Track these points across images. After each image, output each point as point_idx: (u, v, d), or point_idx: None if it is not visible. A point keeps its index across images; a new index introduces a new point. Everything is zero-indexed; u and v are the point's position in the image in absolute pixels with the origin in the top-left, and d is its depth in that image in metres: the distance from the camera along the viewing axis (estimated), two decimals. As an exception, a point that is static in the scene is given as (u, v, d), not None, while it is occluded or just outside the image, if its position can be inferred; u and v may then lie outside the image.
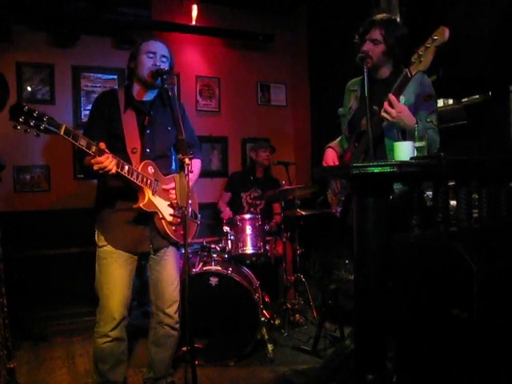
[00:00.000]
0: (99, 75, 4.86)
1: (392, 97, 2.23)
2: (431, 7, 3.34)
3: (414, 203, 1.87)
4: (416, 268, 1.83)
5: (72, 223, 4.63)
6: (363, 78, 2.65)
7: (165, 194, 2.56)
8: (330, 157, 2.78)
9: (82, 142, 2.17)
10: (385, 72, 2.56)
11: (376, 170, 1.72)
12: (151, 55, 2.57)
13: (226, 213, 4.59)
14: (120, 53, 4.77)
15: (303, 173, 5.09)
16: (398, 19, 3.53)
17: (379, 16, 2.54)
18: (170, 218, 2.54)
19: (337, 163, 2.71)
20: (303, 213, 4.03)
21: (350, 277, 4.36)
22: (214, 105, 5.45)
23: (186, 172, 2.15)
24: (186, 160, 2.12)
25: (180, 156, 2.14)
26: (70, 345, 3.72)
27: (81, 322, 4.13)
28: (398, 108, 2.23)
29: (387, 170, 1.71)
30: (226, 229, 3.81)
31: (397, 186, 2.14)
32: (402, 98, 2.34)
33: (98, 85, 4.84)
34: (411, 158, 1.93)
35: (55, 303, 4.41)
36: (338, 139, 2.90)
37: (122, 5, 4.58)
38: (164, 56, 2.61)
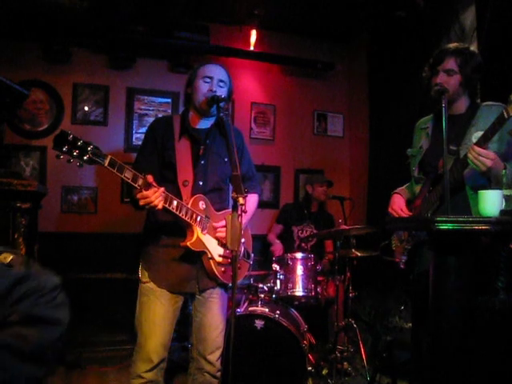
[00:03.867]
0: (153, 98, 4.79)
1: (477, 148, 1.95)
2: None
3: (500, 263, 1.61)
4: (501, 336, 1.63)
5: (117, 248, 4.53)
6: (435, 115, 2.45)
7: (215, 232, 2.36)
8: (397, 203, 2.50)
9: (128, 175, 2.00)
10: (461, 107, 2.32)
11: (467, 226, 1.45)
12: (208, 80, 2.41)
13: (277, 247, 4.36)
14: (175, 76, 4.71)
15: (359, 209, 4.79)
16: (475, 48, 3.27)
17: (453, 44, 2.31)
18: (219, 259, 2.33)
19: (405, 210, 2.44)
20: (359, 254, 3.74)
21: (405, 325, 4.03)
22: (268, 133, 5.27)
23: (240, 212, 1.92)
24: (240, 200, 1.90)
25: (234, 195, 1.92)
26: (105, 374, 3.59)
27: (118, 350, 4.00)
28: (491, 155, 1.94)
29: (480, 227, 1.45)
30: (276, 267, 3.55)
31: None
32: (479, 134, 2.09)
33: (151, 108, 4.77)
34: (503, 212, 1.66)
35: (93, 329, 4.29)
36: (406, 185, 2.64)
37: (180, 29, 4.51)
38: (222, 81, 2.43)
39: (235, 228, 1.92)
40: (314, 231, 4.48)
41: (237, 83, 4.99)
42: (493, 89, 2.69)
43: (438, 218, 1.48)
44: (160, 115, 4.71)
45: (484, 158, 1.94)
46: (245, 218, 2.47)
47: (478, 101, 2.45)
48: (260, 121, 5.23)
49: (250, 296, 3.47)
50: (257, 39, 4.93)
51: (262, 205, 5.05)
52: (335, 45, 5.49)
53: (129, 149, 4.61)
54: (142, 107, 4.75)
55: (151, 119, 4.67)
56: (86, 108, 4.63)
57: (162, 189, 2.10)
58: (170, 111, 4.77)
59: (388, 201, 2.57)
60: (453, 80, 2.24)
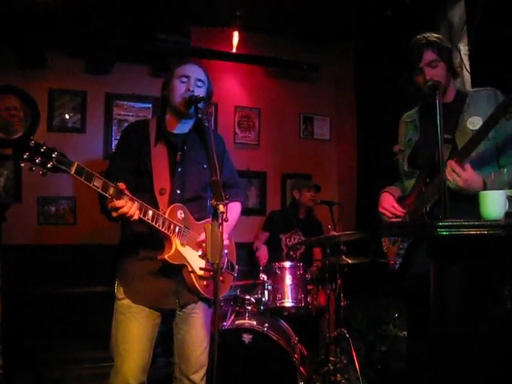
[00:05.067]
0: (133, 103, 4.60)
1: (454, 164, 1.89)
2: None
3: (507, 270, 1.48)
4: (506, 349, 1.49)
5: (98, 260, 4.31)
6: (421, 107, 2.37)
7: (195, 244, 2.19)
8: (387, 201, 2.38)
9: (97, 183, 1.84)
10: (449, 95, 2.25)
11: (473, 231, 1.31)
12: (184, 79, 2.26)
13: (262, 252, 4.20)
14: (156, 81, 4.49)
15: (348, 213, 4.65)
16: (464, 44, 3.19)
17: (419, 38, 2.23)
18: (200, 272, 2.17)
19: (397, 207, 2.32)
20: (350, 261, 3.59)
21: (400, 333, 3.88)
22: (253, 137, 5.11)
23: (220, 221, 1.76)
24: (220, 207, 1.73)
25: (213, 202, 1.76)
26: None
27: (101, 367, 3.67)
28: (464, 175, 1.91)
29: (487, 231, 1.32)
30: (263, 277, 3.40)
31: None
32: (474, 119, 2.06)
33: (131, 113, 4.59)
34: (507, 214, 1.53)
35: (75, 346, 4.06)
36: (395, 184, 2.52)
37: (160, 32, 4.34)
38: (199, 80, 2.30)
39: (216, 238, 1.76)
40: (303, 238, 4.34)
41: (219, 86, 4.88)
42: (484, 84, 2.60)
43: (439, 223, 1.33)
44: (140, 121, 4.54)
45: (456, 176, 1.92)
46: (227, 228, 2.33)
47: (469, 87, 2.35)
48: (244, 125, 5.07)
49: (237, 308, 3.33)
50: (239, 41, 4.77)
51: (247, 212, 4.95)
52: (320, 46, 5.35)
53: (108, 156, 4.41)
54: (122, 113, 4.57)
55: (131, 125, 4.50)
56: (67, 116, 4.44)
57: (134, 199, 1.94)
58: (150, 117, 4.60)
59: (377, 204, 2.44)
60: (439, 70, 2.17)
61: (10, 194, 4.22)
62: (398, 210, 2.31)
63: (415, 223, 1.60)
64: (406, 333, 3.64)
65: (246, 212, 4.90)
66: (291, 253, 4.34)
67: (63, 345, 4.01)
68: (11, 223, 4.15)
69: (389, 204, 2.34)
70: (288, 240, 4.38)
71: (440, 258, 1.48)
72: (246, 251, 4.59)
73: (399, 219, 2.32)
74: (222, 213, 1.74)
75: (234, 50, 4.81)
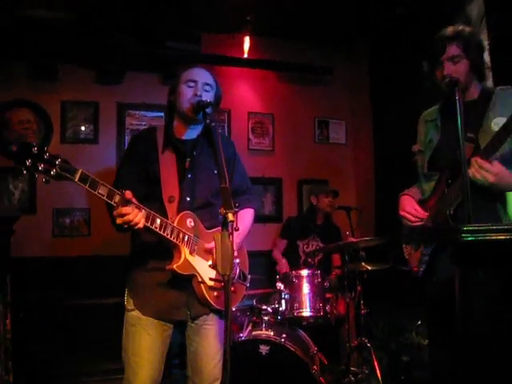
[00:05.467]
0: (145, 113, 4.56)
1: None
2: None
3: None
4: None
5: (113, 271, 4.25)
6: (443, 105, 2.24)
7: (206, 253, 2.11)
8: (408, 203, 2.27)
9: (102, 191, 1.77)
10: (473, 93, 2.12)
11: (500, 235, 1.21)
12: (192, 84, 2.20)
13: (283, 265, 4.12)
14: (167, 89, 4.44)
15: (367, 219, 4.53)
16: (484, 38, 3.05)
17: (449, 29, 2.09)
18: (211, 283, 2.08)
19: (419, 210, 2.20)
20: (369, 267, 3.48)
21: (423, 341, 3.74)
22: (267, 143, 5.02)
23: (230, 230, 1.67)
24: (230, 216, 1.65)
25: (222, 210, 1.67)
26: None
27: (113, 379, 3.68)
28: (495, 169, 1.80)
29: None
30: (280, 286, 3.30)
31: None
32: (499, 119, 1.93)
33: (143, 123, 4.54)
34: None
35: (89, 357, 4.03)
36: (414, 186, 2.41)
37: (171, 39, 4.31)
38: (207, 84, 2.23)
39: (226, 249, 1.67)
40: (320, 245, 4.24)
41: (232, 93, 4.84)
42: (505, 79, 2.47)
43: (464, 228, 1.22)
44: (153, 130, 4.51)
45: (486, 172, 1.81)
46: (239, 237, 2.24)
47: (490, 83, 2.22)
48: (258, 131, 4.99)
49: (254, 318, 3.24)
50: (250, 46, 4.71)
51: (264, 219, 4.86)
52: (333, 48, 5.25)
53: (122, 167, 4.39)
54: (134, 122, 4.54)
55: (144, 134, 4.47)
56: (83, 128, 4.43)
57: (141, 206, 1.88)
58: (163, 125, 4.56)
59: (397, 208, 2.33)
60: (461, 67, 2.04)
61: (24, 206, 4.20)
62: (421, 212, 2.20)
63: (438, 228, 1.49)
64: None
65: (261, 219, 4.87)
66: (309, 260, 4.23)
67: (77, 357, 3.99)
68: (26, 235, 4.17)
69: (410, 207, 2.23)
70: (306, 246, 4.28)
71: (465, 264, 1.37)
72: (262, 259, 4.52)
73: (421, 222, 2.21)
74: (232, 222, 1.65)
75: (246, 56, 4.75)
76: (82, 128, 4.44)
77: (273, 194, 5.00)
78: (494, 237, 1.24)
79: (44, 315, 4.01)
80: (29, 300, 3.98)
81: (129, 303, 2.18)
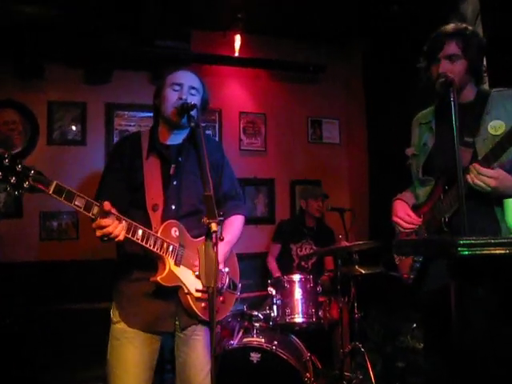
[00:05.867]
0: (134, 113, 4.46)
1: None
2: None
3: None
4: None
5: (102, 275, 4.16)
6: (438, 107, 2.17)
7: (192, 264, 2.03)
8: (402, 209, 2.19)
9: (79, 203, 1.69)
10: (468, 94, 2.04)
11: (499, 250, 1.15)
12: (177, 87, 2.11)
13: (273, 271, 4.09)
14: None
15: (361, 220, 4.45)
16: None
17: (450, 26, 2.01)
18: (197, 294, 2.00)
19: (413, 216, 2.13)
20: (363, 271, 3.41)
21: (418, 345, 3.67)
22: (259, 143, 4.94)
23: (214, 241, 1.59)
24: (213, 226, 1.57)
25: (205, 220, 1.59)
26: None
27: None
28: (494, 173, 1.75)
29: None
30: (271, 290, 3.22)
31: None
32: (496, 123, 1.88)
33: (132, 123, 4.45)
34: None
35: (79, 364, 3.92)
36: (408, 190, 2.32)
37: (160, 38, 4.20)
38: (193, 88, 2.14)
39: (210, 260, 1.59)
40: (314, 248, 4.18)
41: (223, 92, 4.76)
42: (501, 77, 2.40)
43: (460, 242, 1.15)
44: (142, 130, 4.40)
45: (485, 177, 1.73)
46: (227, 245, 2.18)
47: (486, 85, 2.14)
48: (250, 131, 4.90)
49: (245, 323, 3.15)
50: (242, 44, 4.60)
51: (256, 221, 4.78)
52: (327, 46, 5.16)
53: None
54: (123, 123, 4.43)
55: (133, 135, 4.37)
56: (74, 127, 4.33)
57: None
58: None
59: (391, 211, 2.26)
60: (457, 66, 1.96)
61: (10, 210, 4.11)
62: (414, 218, 2.13)
63: (432, 241, 1.42)
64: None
65: (254, 221, 4.80)
66: (303, 263, 4.18)
67: (66, 363, 3.86)
68: (13, 240, 4.10)
69: (404, 212, 2.16)
70: (299, 250, 4.20)
71: (462, 278, 1.30)
72: (255, 261, 4.46)
73: (414, 227, 2.14)
74: (215, 232, 1.57)
75: (237, 54, 4.65)
76: (70, 129, 4.34)
77: (265, 195, 4.92)
78: (491, 251, 1.16)
79: (32, 320, 3.93)
80: (17, 305, 3.91)
81: (114, 315, 2.11)
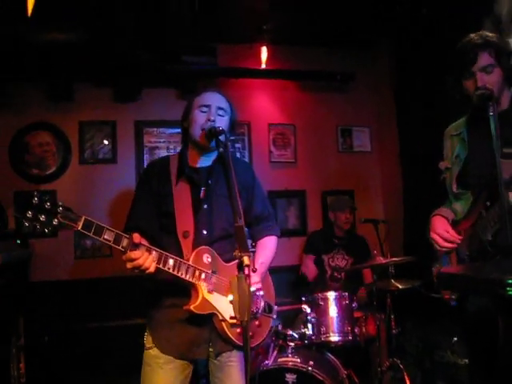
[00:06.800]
0: (163, 129, 4.47)
1: None
2: None
3: None
4: None
5: (137, 291, 4.20)
6: (470, 118, 2.09)
7: (225, 290, 2.00)
8: (440, 226, 2.11)
9: (108, 237, 1.69)
10: (504, 103, 1.98)
11: None
12: (205, 109, 2.10)
13: (311, 272, 4.08)
14: (184, 104, 4.39)
15: (395, 232, 4.33)
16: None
17: (476, 37, 1.94)
18: (232, 321, 1.96)
19: (452, 233, 2.04)
20: (399, 286, 3.31)
21: (460, 361, 3.53)
22: (289, 155, 4.87)
23: (247, 273, 1.55)
24: (245, 260, 1.53)
25: (237, 253, 1.55)
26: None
27: None
28: None
29: None
30: (306, 308, 3.15)
31: None
32: None
33: (161, 140, 4.46)
34: None
35: (115, 381, 3.94)
36: (445, 205, 2.24)
37: (186, 54, 4.22)
38: (221, 108, 2.12)
39: (243, 293, 1.55)
40: (346, 257, 4.12)
41: (251, 105, 4.73)
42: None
43: (510, 281, 1.07)
44: (171, 147, 4.42)
45: None
46: (262, 266, 2.15)
47: None
48: (279, 143, 4.84)
49: (280, 342, 3.08)
50: (268, 56, 4.55)
51: (288, 233, 4.71)
52: (354, 53, 5.06)
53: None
54: (152, 140, 4.46)
55: (163, 152, 4.40)
56: (104, 146, 4.38)
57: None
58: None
59: (427, 220, 2.19)
60: (494, 77, 1.90)
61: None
62: (453, 236, 2.04)
63: (480, 280, 1.32)
64: (466, 360, 3.32)
65: (286, 233, 4.72)
66: (335, 273, 4.10)
67: (102, 380, 3.91)
68: (49, 258, 4.16)
69: (442, 229, 2.08)
70: (331, 260, 4.14)
71: (510, 317, 1.22)
72: (288, 274, 4.40)
73: (454, 246, 2.05)
74: (247, 266, 1.53)
75: (264, 66, 4.60)
76: (101, 147, 4.39)
77: (296, 207, 4.85)
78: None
79: (69, 338, 3.98)
80: (53, 323, 3.96)
81: (147, 341, 2.10)
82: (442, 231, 2.07)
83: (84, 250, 4.31)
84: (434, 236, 2.10)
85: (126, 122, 4.45)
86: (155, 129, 4.46)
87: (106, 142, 4.39)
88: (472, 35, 1.96)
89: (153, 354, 2.04)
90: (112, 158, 4.39)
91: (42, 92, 4.23)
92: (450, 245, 2.07)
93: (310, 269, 4.14)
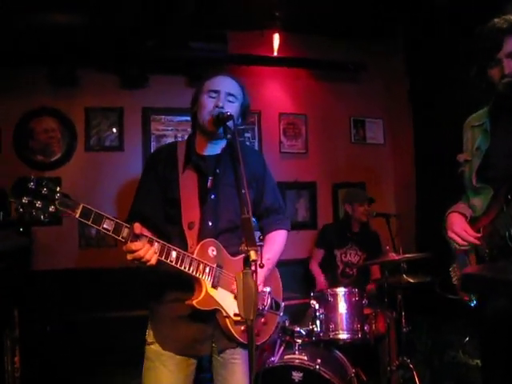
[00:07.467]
0: (171, 117, 4.37)
1: None
2: None
3: None
4: None
5: (140, 283, 4.13)
6: (492, 107, 1.98)
7: (230, 285, 1.90)
8: (458, 224, 2.00)
9: (108, 226, 1.60)
10: None
11: None
12: (213, 94, 1.99)
13: (320, 283, 3.90)
14: (193, 91, 4.30)
15: (407, 226, 4.23)
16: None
17: (501, 21, 1.82)
18: (236, 318, 1.86)
19: (470, 232, 1.94)
20: (411, 280, 3.21)
21: (471, 361, 3.42)
22: (300, 146, 4.75)
23: (254, 269, 1.45)
24: (252, 254, 1.43)
25: (243, 247, 1.45)
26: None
27: None
28: None
29: None
30: (314, 304, 3.05)
31: None
32: None
33: (169, 128, 4.36)
34: None
35: (118, 371, 3.86)
36: (462, 200, 2.12)
37: (194, 39, 4.09)
38: (231, 94, 2.00)
39: (248, 290, 1.45)
40: (359, 253, 4.02)
41: (262, 93, 4.61)
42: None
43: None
44: (179, 135, 4.32)
45: None
46: (270, 262, 2.04)
47: None
48: (290, 133, 4.72)
49: (287, 338, 3.00)
50: (280, 43, 4.45)
51: (298, 226, 4.60)
52: (367, 42, 4.91)
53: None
54: (160, 127, 4.36)
55: (170, 140, 4.29)
56: (111, 133, 4.28)
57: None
58: (190, 130, 4.38)
59: (440, 214, 2.10)
60: None
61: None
62: (472, 235, 1.93)
63: (502, 282, 1.22)
64: (477, 361, 3.22)
65: (295, 226, 4.57)
66: (347, 269, 4.01)
67: (105, 370, 3.87)
68: (53, 247, 4.09)
69: (460, 227, 1.97)
70: (343, 256, 4.04)
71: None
72: (297, 267, 4.33)
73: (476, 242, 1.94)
74: (254, 261, 1.43)
75: (276, 54, 4.49)
76: (107, 135, 4.29)
77: (307, 199, 4.73)
78: None
79: (72, 328, 3.93)
80: (56, 312, 3.90)
81: (149, 335, 2.02)
82: (460, 229, 1.97)
83: (89, 240, 4.23)
84: (451, 235, 2.01)
85: (134, 108, 4.34)
86: (163, 116, 4.36)
87: (111, 133, 4.30)
88: (496, 19, 1.84)
89: (154, 350, 1.97)
90: (119, 146, 4.30)
91: (46, 77, 4.11)
92: (467, 243, 1.96)
93: (319, 279, 4.00)
